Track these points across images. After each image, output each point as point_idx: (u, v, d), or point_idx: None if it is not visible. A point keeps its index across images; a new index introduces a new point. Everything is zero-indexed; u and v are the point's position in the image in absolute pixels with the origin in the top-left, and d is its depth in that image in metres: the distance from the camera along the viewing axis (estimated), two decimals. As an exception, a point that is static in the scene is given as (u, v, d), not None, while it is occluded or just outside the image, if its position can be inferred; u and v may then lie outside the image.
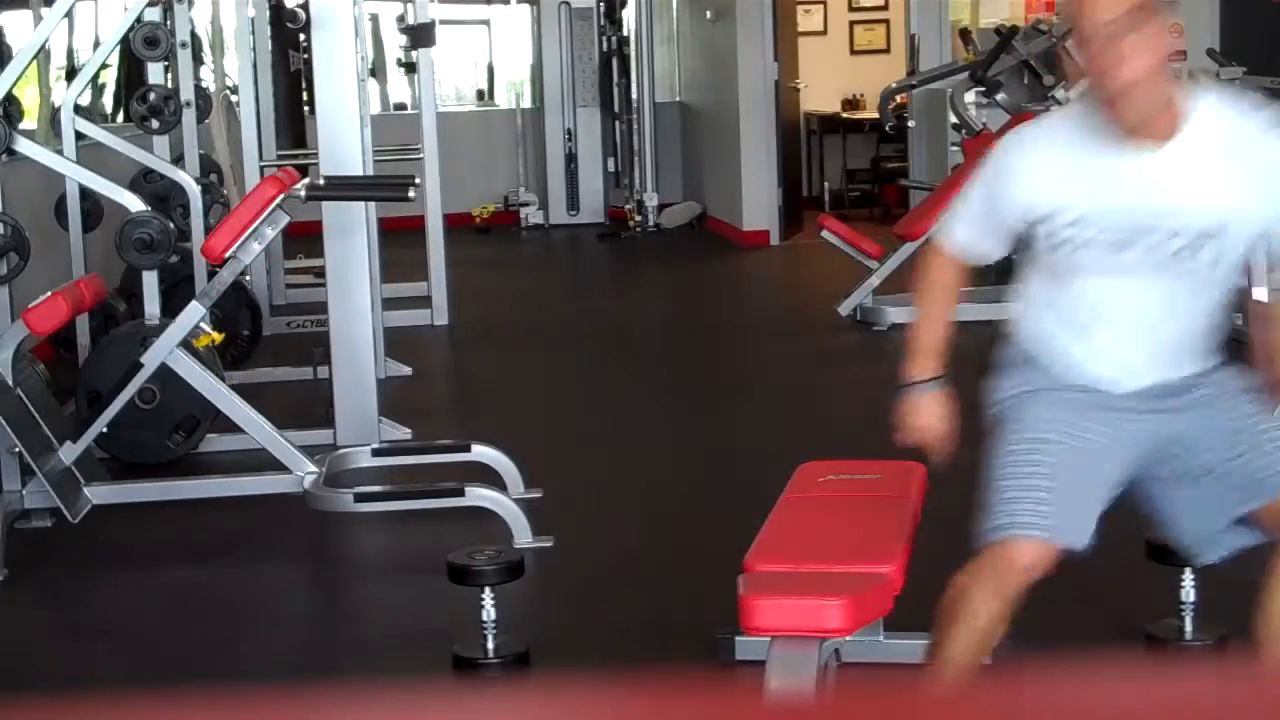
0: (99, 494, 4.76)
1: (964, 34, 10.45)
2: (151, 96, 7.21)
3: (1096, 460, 2.76)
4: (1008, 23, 9.93)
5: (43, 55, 6.76)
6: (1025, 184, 2.81)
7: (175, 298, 5.66)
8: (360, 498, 4.73)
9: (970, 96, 8.94)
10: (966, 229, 2.95)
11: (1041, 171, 2.80)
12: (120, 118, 9.55)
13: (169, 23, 7.13)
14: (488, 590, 3.51)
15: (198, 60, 7.71)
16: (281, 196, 4.83)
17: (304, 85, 9.57)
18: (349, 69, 5.63)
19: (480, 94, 13.98)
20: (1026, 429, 2.79)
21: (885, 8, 13.45)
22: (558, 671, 3.53)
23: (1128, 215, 2.73)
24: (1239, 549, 2.82)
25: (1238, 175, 2.72)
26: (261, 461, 4.93)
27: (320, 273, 6.21)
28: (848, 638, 2.89)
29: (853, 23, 13.67)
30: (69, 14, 6.09)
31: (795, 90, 11.68)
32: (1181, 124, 2.72)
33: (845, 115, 13.23)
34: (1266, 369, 2.70)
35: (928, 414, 2.92)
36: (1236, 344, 2.88)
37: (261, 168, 8.03)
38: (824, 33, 13.49)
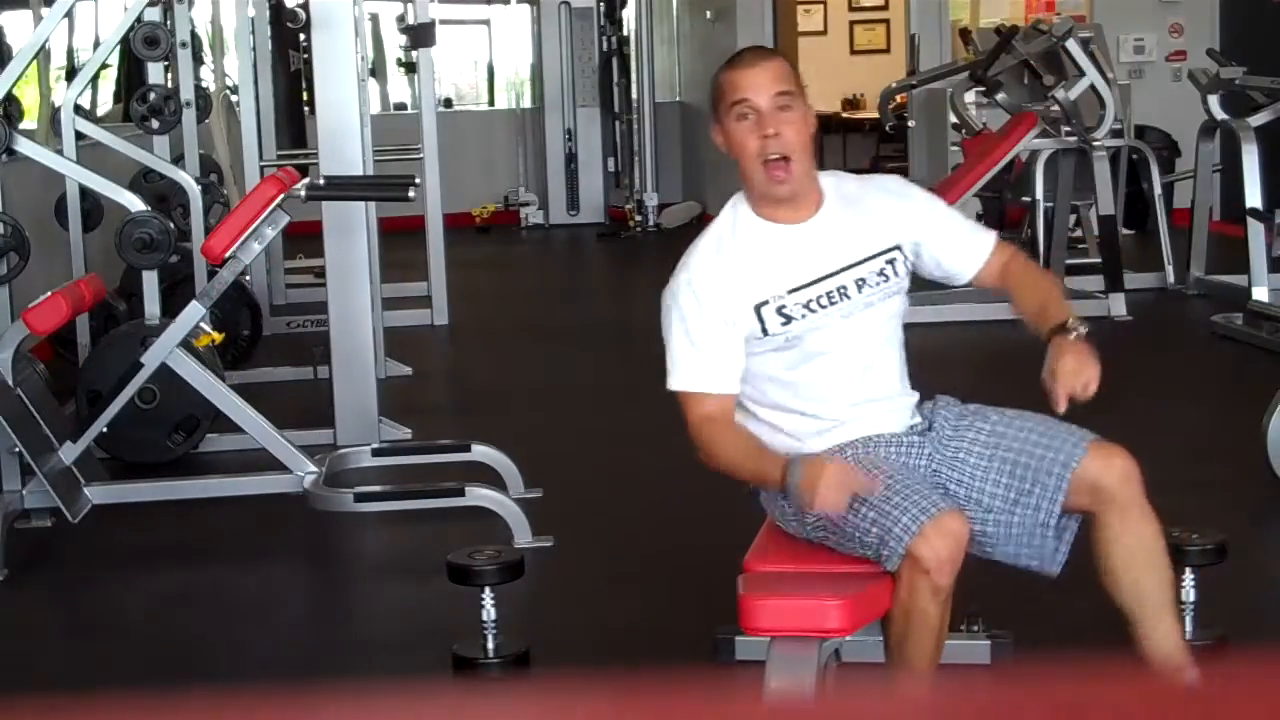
0: (99, 494, 4.76)
1: (964, 34, 10.46)
2: (151, 96, 7.21)
3: (911, 471, 2.85)
4: (1008, 23, 9.93)
5: (43, 55, 6.76)
6: (725, 304, 2.91)
7: (175, 298, 5.66)
8: (360, 498, 4.73)
9: (970, 96, 8.94)
10: (704, 366, 2.97)
11: (731, 286, 2.91)
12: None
13: (169, 23, 7.13)
14: (488, 590, 3.51)
15: (198, 60, 7.71)
16: (281, 196, 4.82)
17: (304, 85, 9.57)
18: (349, 69, 5.63)
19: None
20: None
21: (885, 8, 13.46)
22: (558, 671, 3.53)
23: (820, 286, 2.92)
24: (1069, 543, 2.88)
25: (880, 213, 2.99)
26: (261, 461, 4.93)
27: (320, 273, 6.21)
28: (848, 638, 2.88)
29: (853, 23, 13.68)
30: (69, 14, 6.08)
31: (795, 90, 11.68)
32: (820, 197, 2.98)
33: (845, 115, 13.24)
34: (1052, 385, 2.76)
35: (829, 481, 2.74)
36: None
37: (261, 168, 8.03)
38: (824, 33, 13.50)
